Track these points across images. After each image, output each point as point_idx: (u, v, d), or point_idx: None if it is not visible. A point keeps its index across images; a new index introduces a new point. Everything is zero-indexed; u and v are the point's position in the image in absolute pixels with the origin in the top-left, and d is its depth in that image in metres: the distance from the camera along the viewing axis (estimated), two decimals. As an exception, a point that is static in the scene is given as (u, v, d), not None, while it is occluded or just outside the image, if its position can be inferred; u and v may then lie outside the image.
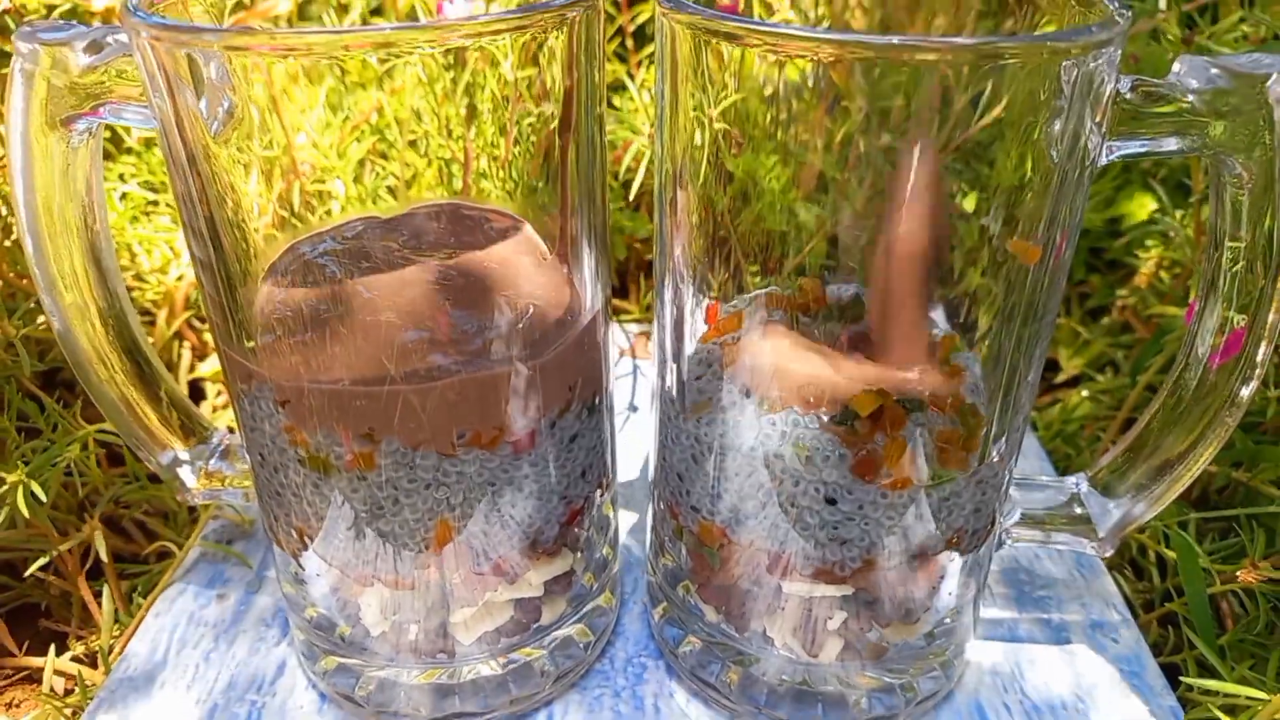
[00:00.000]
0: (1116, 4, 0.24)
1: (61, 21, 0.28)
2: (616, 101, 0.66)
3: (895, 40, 0.21)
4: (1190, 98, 0.25)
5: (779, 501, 0.28)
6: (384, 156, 0.35)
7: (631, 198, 0.54)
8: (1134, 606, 0.38)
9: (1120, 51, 0.24)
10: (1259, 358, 0.29)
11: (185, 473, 0.34)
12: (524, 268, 0.29)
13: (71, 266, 0.30)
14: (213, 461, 0.35)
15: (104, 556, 0.38)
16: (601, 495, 0.32)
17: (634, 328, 0.55)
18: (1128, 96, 0.25)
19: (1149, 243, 0.50)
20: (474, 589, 0.30)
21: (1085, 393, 0.48)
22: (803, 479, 0.27)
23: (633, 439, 0.47)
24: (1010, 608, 0.37)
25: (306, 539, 0.29)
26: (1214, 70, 0.25)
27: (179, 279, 0.52)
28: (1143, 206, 0.51)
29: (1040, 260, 0.25)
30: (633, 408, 0.49)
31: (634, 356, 0.52)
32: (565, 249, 0.29)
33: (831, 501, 0.27)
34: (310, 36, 0.22)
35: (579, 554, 0.32)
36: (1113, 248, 0.52)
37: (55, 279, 0.30)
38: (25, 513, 0.35)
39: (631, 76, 0.65)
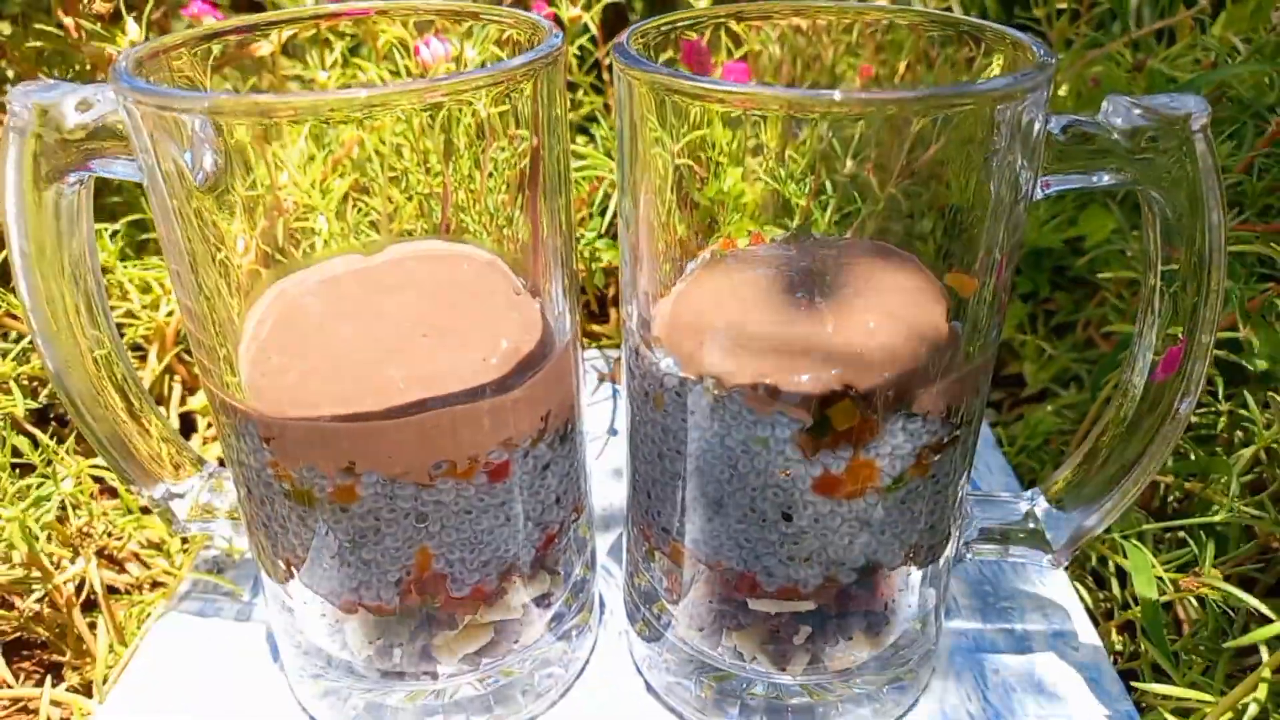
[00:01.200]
0: (1042, 50, 0.26)
1: (52, 81, 0.29)
2: (594, 130, 0.68)
3: (838, 96, 0.23)
4: (1116, 136, 0.27)
5: (741, 509, 0.29)
6: (365, 191, 0.36)
7: (606, 229, 0.56)
8: (1094, 615, 0.39)
9: (1048, 94, 0.26)
10: (1196, 375, 0.30)
11: (177, 505, 0.36)
12: (498, 303, 0.30)
13: (65, 311, 0.32)
14: (203, 495, 0.36)
15: (99, 590, 0.39)
16: (576, 519, 0.34)
17: (613, 353, 0.57)
18: (1059, 137, 0.27)
19: (1110, 261, 0.52)
20: (454, 612, 0.31)
21: (1050, 408, 0.49)
22: (763, 485, 0.28)
23: (612, 462, 0.48)
24: (975, 619, 0.38)
25: (293, 568, 0.31)
26: (1137, 111, 0.26)
27: (169, 315, 0.53)
28: (1102, 227, 0.53)
29: (978, 291, 0.27)
30: (612, 431, 0.50)
31: (614, 381, 0.54)
32: (536, 282, 0.31)
33: (788, 518, 0.29)
34: (294, 100, 0.24)
35: (556, 576, 0.33)
36: (1076, 266, 0.54)
37: (49, 324, 0.31)
38: (22, 548, 0.36)
39: (608, 108, 0.67)
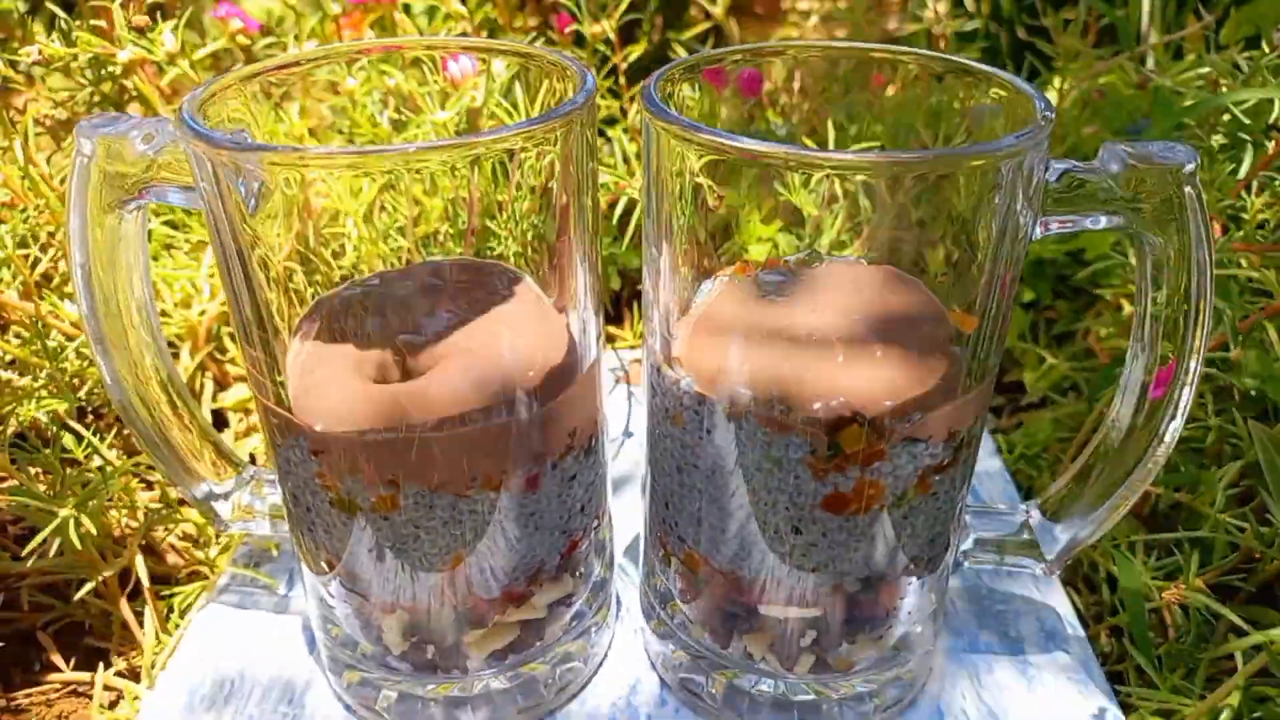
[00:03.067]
0: (1042, 104, 0.28)
1: (114, 115, 0.31)
2: (611, 133, 0.70)
3: (850, 156, 0.25)
4: (1111, 183, 0.29)
5: (754, 522, 0.31)
6: (392, 188, 0.38)
7: (622, 233, 0.58)
8: (1085, 619, 0.42)
9: (1048, 143, 0.28)
10: (1183, 401, 0.32)
11: (220, 505, 0.38)
12: (531, 320, 0.32)
13: (120, 323, 0.34)
14: (244, 495, 0.38)
15: (144, 580, 0.41)
16: (598, 525, 0.36)
17: (628, 354, 0.59)
18: (1055, 185, 0.29)
19: (1110, 273, 0.54)
20: (484, 613, 0.33)
21: (1048, 416, 0.51)
22: (775, 501, 0.31)
23: (628, 463, 0.50)
24: (971, 621, 0.41)
25: (334, 569, 0.33)
26: (1130, 160, 0.28)
27: (201, 313, 0.55)
28: (1104, 239, 0.54)
29: (979, 326, 0.29)
30: (628, 433, 0.52)
31: (629, 383, 0.56)
32: (564, 302, 0.32)
33: (798, 531, 0.31)
34: (338, 156, 0.26)
35: (579, 578, 0.36)
36: (1077, 277, 0.56)
37: (105, 334, 0.34)
38: (76, 544, 0.38)
39: (624, 112, 0.69)
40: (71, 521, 0.39)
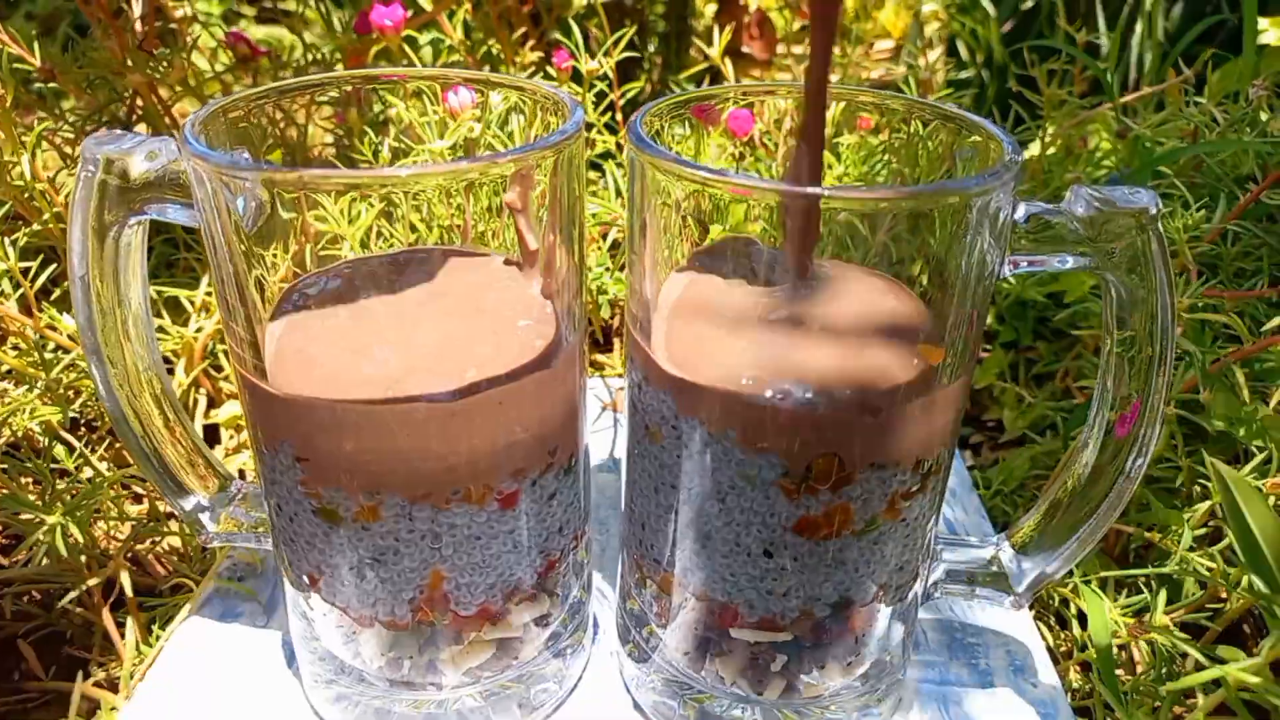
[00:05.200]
0: (1010, 146, 0.29)
1: (120, 132, 0.32)
2: (606, 166, 0.71)
3: (828, 193, 0.26)
4: (1076, 224, 0.30)
5: (727, 544, 0.32)
6: (389, 218, 0.39)
7: (613, 263, 0.59)
8: (1054, 654, 0.42)
9: (1016, 183, 0.29)
10: (1148, 438, 0.33)
11: (205, 518, 0.38)
12: (515, 297, 0.33)
13: (116, 335, 0.35)
14: (231, 508, 0.39)
15: (128, 591, 0.42)
16: (576, 546, 0.37)
17: (616, 382, 0.60)
18: (1023, 225, 0.30)
19: (1089, 316, 0.55)
20: (460, 629, 0.34)
21: (1026, 455, 0.52)
22: (748, 523, 0.31)
23: (612, 490, 0.51)
24: (942, 653, 0.41)
25: (315, 581, 0.34)
26: (1096, 202, 0.29)
27: (197, 331, 0.56)
28: (1082, 283, 0.56)
29: (944, 359, 0.30)
30: (613, 460, 0.53)
31: (615, 410, 0.57)
32: (549, 289, 0.33)
33: (769, 555, 0.31)
34: (334, 176, 0.27)
35: (555, 598, 0.36)
36: (1056, 319, 0.57)
37: (101, 345, 0.35)
38: (63, 551, 0.39)
39: (620, 147, 0.70)
40: (59, 529, 0.39)
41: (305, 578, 0.34)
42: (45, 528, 0.39)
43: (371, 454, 0.30)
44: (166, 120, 0.59)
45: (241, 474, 0.55)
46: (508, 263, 0.35)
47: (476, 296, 0.34)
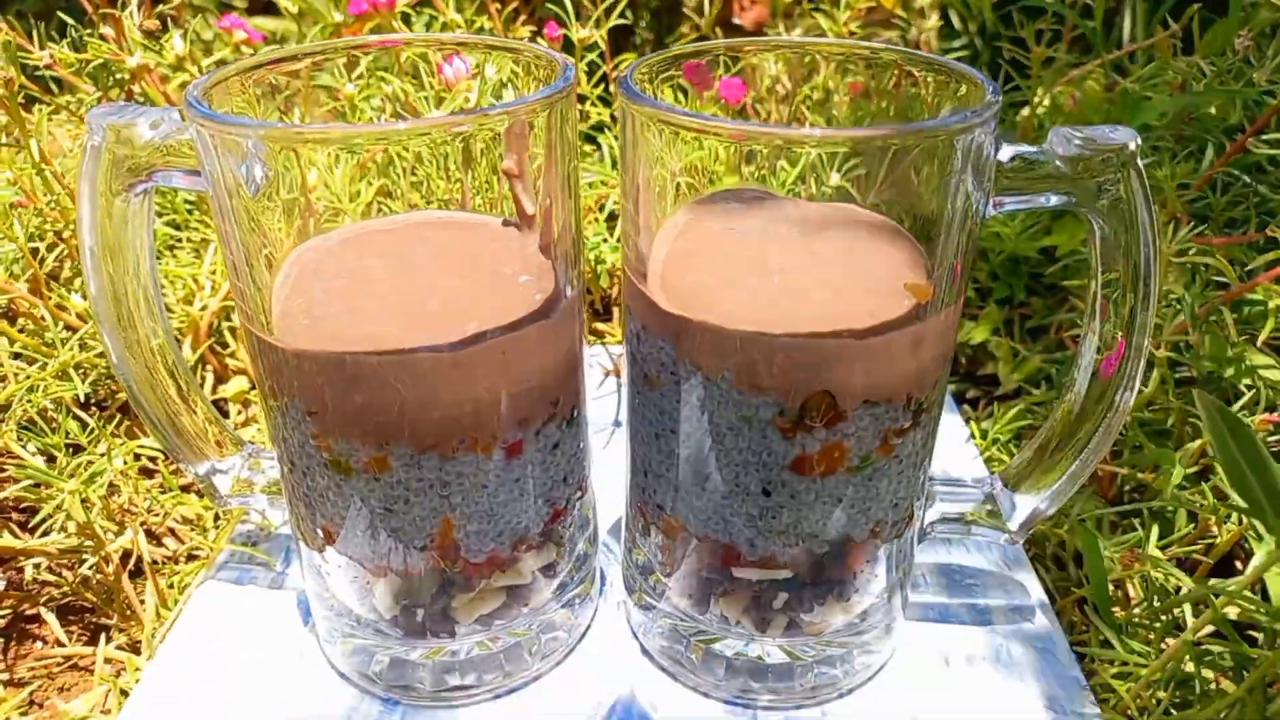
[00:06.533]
0: (991, 88, 0.30)
1: (123, 103, 0.33)
2: (601, 140, 0.72)
3: (820, 133, 0.27)
4: (1059, 163, 0.31)
5: (726, 485, 0.33)
6: (389, 195, 0.40)
7: (614, 234, 0.60)
8: (1052, 594, 0.43)
9: (995, 126, 0.30)
10: (1134, 372, 0.34)
11: (220, 481, 0.39)
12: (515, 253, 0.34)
13: (128, 305, 0.36)
14: (243, 472, 0.40)
15: (145, 557, 0.43)
16: (580, 498, 0.38)
17: (617, 349, 0.61)
18: (1007, 165, 0.30)
19: (1080, 269, 0.56)
20: (471, 576, 0.35)
21: (1021, 406, 0.53)
22: (746, 463, 0.32)
23: (616, 453, 0.52)
24: (942, 594, 0.42)
25: (330, 535, 0.35)
26: (1077, 141, 0.30)
27: (203, 309, 0.57)
28: (1073, 236, 0.56)
29: (933, 296, 0.30)
30: (616, 423, 0.54)
31: (618, 375, 0.58)
32: (547, 241, 0.34)
33: (767, 494, 0.32)
34: (331, 131, 0.28)
35: (562, 548, 0.37)
36: (1049, 273, 0.58)
37: (113, 315, 0.35)
38: (81, 517, 0.40)
39: (614, 119, 0.71)
40: (76, 497, 0.40)
41: (320, 531, 0.35)
42: (62, 496, 0.40)
43: (378, 406, 0.31)
44: (166, 103, 0.60)
45: (253, 442, 0.56)
46: (506, 224, 0.36)
47: (476, 254, 0.34)
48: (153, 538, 0.50)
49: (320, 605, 0.38)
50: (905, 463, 0.33)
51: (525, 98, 0.30)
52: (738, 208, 0.33)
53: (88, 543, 0.43)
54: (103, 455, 0.45)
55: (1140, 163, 0.30)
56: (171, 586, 0.45)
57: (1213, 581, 0.38)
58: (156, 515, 0.49)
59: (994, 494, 0.38)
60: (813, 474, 0.32)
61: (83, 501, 0.41)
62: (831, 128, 0.27)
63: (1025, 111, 0.68)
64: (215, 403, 0.58)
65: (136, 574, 0.47)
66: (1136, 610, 0.39)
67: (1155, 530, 0.39)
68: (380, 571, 0.35)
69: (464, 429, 0.32)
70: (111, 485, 0.45)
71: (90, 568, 0.44)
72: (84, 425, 0.49)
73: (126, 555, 0.46)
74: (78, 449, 0.48)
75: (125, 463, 0.44)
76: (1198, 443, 0.43)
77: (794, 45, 0.37)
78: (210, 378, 0.58)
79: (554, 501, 0.36)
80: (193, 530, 0.50)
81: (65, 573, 0.47)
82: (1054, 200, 0.32)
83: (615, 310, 0.67)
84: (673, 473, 0.34)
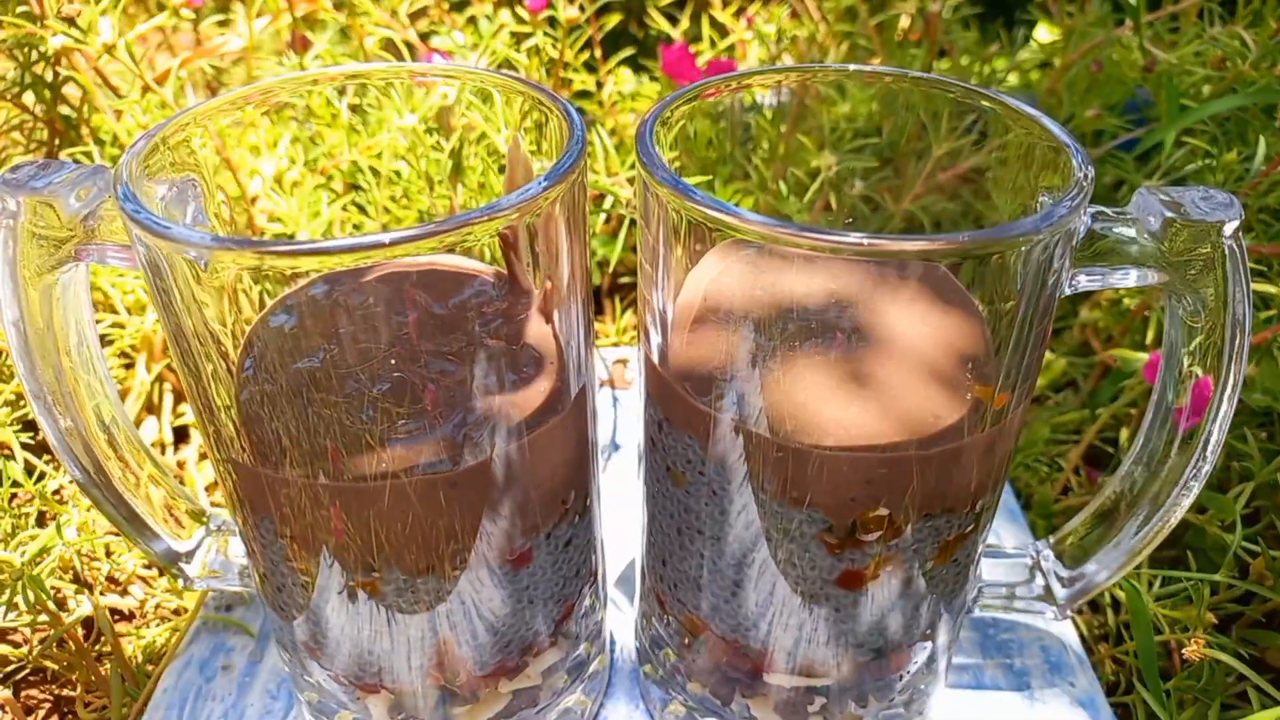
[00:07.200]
0: (1079, 157, 0.25)
1: (43, 163, 0.28)
2: (586, 106, 0.66)
3: (868, 243, 0.22)
4: (1146, 239, 0.26)
5: (761, 594, 0.30)
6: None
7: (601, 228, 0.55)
8: (1089, 643, 0.41)
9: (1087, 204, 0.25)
10: (1212, 450, 0.30)
11: (185, 564, 0.35)
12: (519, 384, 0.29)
13: (62, 386, 0.31)
14: (211, 554, 0.36)
15: (107, 633, 0.39)
16: (593, 581, 0.34)
17: (610, 353, 0.56)
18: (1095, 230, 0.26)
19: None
20: (476, 689, 0.31)
21: (1047, 420, 0.50)
22: (785, 575, 0.29)
23: (617, 477, 0.48)
24: (975, 653, 0.39)
25: (312, 650, 0.31)
26: (1169, 214, 0.26)
27: (156, 322, 0.52)
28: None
29: (1010, 399, 0.26)
30: (615, 446, 0.50)
31: (613, 387, 0.53)
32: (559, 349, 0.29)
33: (808, 608, 0.29)
34: (301, 256, 0.23)
35: (575, 639, 0.34)
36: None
37: (49, 402, 0.31)
38: (31, 596, 0.36)
39: (600, 85, 0.65)
40: (26, 579, 0.36)
41: (302, 647, 0.31)
42: (10, 586, 0.36)
43: (359, 534, 0.27)
44: (97, 84, 0.54)
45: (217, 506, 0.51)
46: (496, 280, 0.30)
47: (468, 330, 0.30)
48: (115, 584, 0.46)
49: (307, 709, 0.34)
50: (963, 564, 0.30)
51: (521, 193, 0.24)
52: (768, 271, 0.28)
53: (43, 619, 0.39)
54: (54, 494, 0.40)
55: (1238, 242, 0.26)
56: (138, 652, 0.42)
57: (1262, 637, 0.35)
58: (118, 563, 0.45)
59: (1041, 564, 0.35)
60: (861, 588, 0.28)
61: (32, 580, 0.37)
62: (891, 238, 0.22)
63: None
64: (178, 430, 0.53)
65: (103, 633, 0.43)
66: (1186, 682, 0.37)
67: (1206, 592, 0.37)
68: (371, 690, 0.31)
69: (464, 549, 0.28)
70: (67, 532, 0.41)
71: (44, 642, 0.40)
72: (28, 471, 0.44)
73: (90, 620, 0.42)
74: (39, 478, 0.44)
75: (78, 531, 0.40)
76: (1250, 483, 0.40)
77: (872, 75, 0.32)
78: (170, 398, 0.53)
79: (566, 599, 0.32)
80: (160, 575, 0.46)
81: (26, 633, 0.43)
82: (1133, 276, 0.28)
83: (607, 304, 0.62)
84: (698, 573, 0.31)
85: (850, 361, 0.27)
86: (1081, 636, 0.41)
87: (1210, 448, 0.30)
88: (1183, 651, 0.34)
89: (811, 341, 0.27)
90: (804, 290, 0.28)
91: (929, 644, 0.32)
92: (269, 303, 0.28)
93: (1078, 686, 0.38)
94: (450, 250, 0.23)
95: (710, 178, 0.38)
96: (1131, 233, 0.27)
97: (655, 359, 0.29)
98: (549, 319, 0.29)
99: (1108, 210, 0.27)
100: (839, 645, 0.30)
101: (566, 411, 0.28)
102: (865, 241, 0.22)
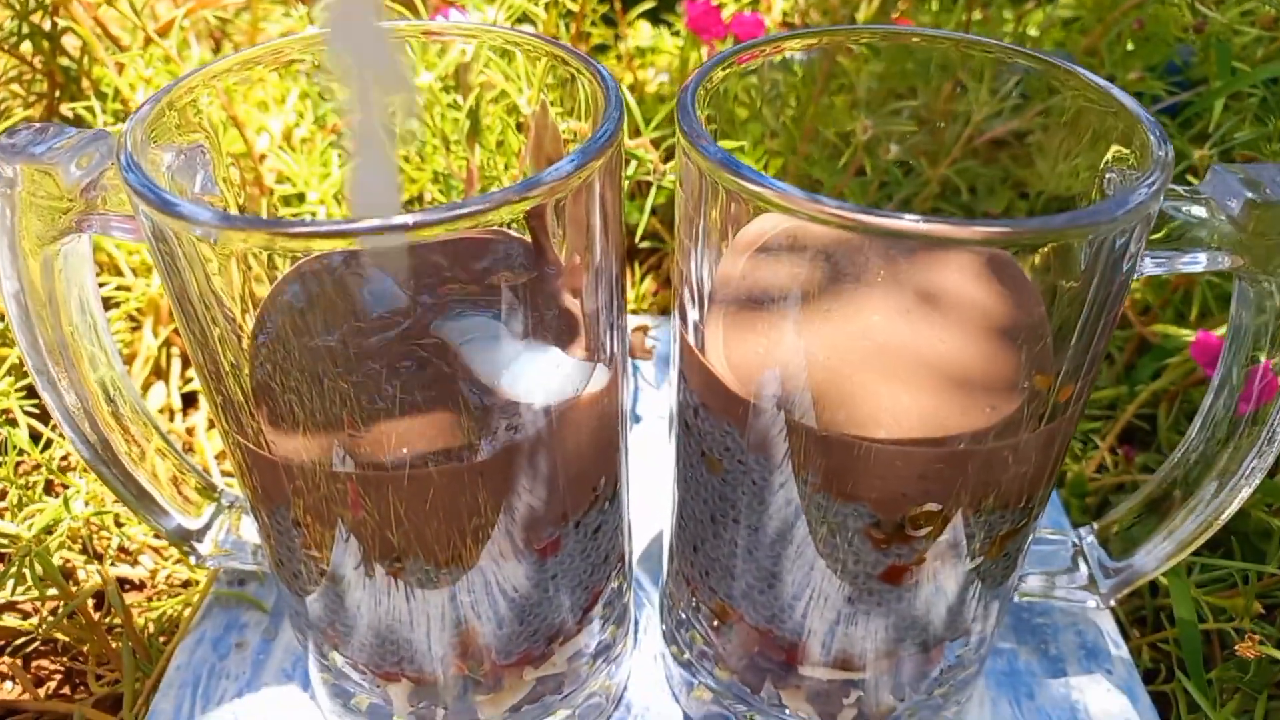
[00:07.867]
0: (1156, 133, 0.24)
1: (41, 127, 0.26)
2: (603, 61, 0.64)
3: (924, 226, 0.20)
4: (1221, 220, 0.25)
5: (798, 587, 0.28)
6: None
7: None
8: (1124, 627, 0.40)
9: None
10: (1277, 437, 0.29)
11: (197, 541, 0.34)
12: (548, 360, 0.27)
13: (66, 360, 0.29)
14: (222, 533, 0.34)
15: (118, 608, 0.38)
16: (621, 566, 0.33)
17: (632, 320, 0.54)
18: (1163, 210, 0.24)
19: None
20: (500, 677, 0.30)
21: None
22: (826, 569, 0.27)
23: (637, 451, 0.46)
24: (1009, 637, 0.38)
25: (329, 638, 0.30)
26: (1249, 194, 0.24)
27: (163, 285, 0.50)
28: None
29: (1071, 394, 0.25)
30: (636, 417, 0.48)
31: (633, 357, 0.52)
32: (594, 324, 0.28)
33: (850, 601, 0.28)
34: (315, 238, 0.21)
35: (601, 624, 0.33)
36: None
37: (52, 375, 0.29)
38: (40, 570, 0.35)
39: (618, 39, 0.63)
40: (33, 558, 0.35)
41: (320, 634, 0.30)
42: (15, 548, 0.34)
43: (380, 523, 0.25)
44: (96, 33, 0.51)
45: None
46: (518, 265, 0.28)
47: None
48: (126, 555, 0.45)
49: (324, 690, 0.33)
50: (1013, 557, 0.28)
51: (549, 173, 0.22)
52: (815, 250, 0.26)
53: (52, 592, 0.38)
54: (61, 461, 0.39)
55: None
56: (153, 627, 0.41)
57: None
58: (129, 535, 0.44)
59: (1084, 551, 0.34)
60: (907, 582, 0.27)
61: (39, 558, 0.36)
62: (948, 221, 0.20)
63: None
64: (186, 396, 0.52)
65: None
66: (1228, 674, 0.36)
67: (1254, 577, 0.35)
68: (392, 678, 0.30)
69: (489, 539, 0.27)
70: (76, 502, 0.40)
71: (55, 614, 0.39)
72: (35, 437, 0.43)
73: (101, 591, 0.41)
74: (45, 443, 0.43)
75: (86, 503, 0.39)
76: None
77: (909, 35, 0.30)
78: (177, 363, 0.51)
79: (593, 586, 0.31)
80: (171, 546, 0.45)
81: (33, 614, 0.42)
82: (1203, 260, 0.26)
83: (627, 269, 0.60)
84: (732, 562, 0.29)
85: (903, 348, 0.25)
86: (1118, 620, 0.39)
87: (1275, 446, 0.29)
88: (1235, 649, 0.33)
89: (861, 325, 0.26)
90: (853, 270, 0.26)
91: (971, 636, 0.30)
92: (283, 270, 0.27)
93: (1115, 674, 0.37)
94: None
95: (743, 143, 0.36)
96: (1204, 213, 0.25)
97: (692, 340, 0.27)
98: (577, 294, 0.27)
99: (1178, 188, 0.25)
100: (879, 639, 0.29)
101: (597, 393, 0.27)
102: (929, 228, 0.20)
